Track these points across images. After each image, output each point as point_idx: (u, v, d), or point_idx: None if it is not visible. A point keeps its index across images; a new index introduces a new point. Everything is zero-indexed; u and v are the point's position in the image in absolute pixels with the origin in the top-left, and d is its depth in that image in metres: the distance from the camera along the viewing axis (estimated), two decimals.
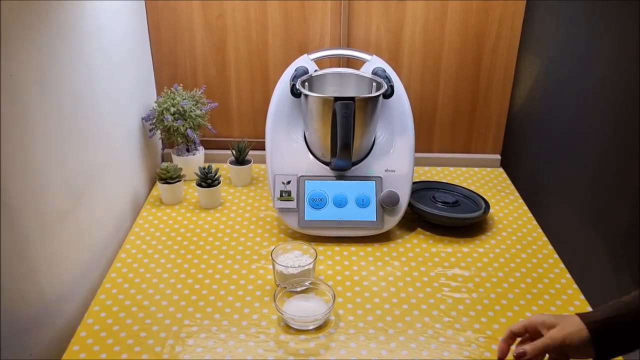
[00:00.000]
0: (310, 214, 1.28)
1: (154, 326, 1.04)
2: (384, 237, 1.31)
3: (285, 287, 1.09)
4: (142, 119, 1.47)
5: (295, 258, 1.16)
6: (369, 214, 1.28)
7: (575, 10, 1.55)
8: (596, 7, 1.52)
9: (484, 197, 1.42)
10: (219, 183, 1.42)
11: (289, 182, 1.29)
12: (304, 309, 1.05)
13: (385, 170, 1.30)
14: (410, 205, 1.34)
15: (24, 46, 0.90)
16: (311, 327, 1.03)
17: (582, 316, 0.79)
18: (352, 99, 1.20)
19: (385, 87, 1.27)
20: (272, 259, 1.13)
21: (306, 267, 1.12)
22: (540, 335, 0.81)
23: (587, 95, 1.60)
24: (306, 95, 1.25)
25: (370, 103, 1.24)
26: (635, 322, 0.76)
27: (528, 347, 0.80)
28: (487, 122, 1.65)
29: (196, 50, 1.55)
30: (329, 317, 1.05)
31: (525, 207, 1.46)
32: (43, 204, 0.97)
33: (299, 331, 1.03)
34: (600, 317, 0.78)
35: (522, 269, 1.22)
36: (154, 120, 1.46)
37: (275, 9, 1.50)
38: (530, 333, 0.84)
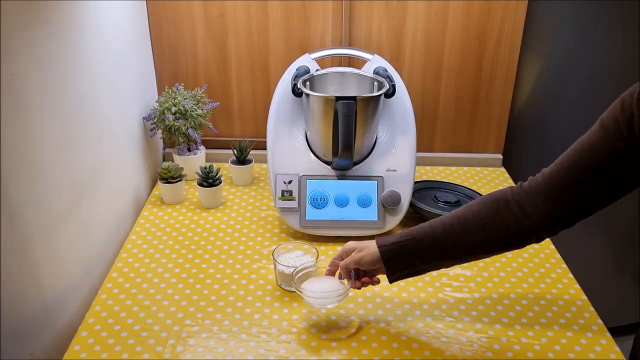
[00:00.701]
0: (311, 213, 1.27)
1: (155, 326, 1.03)
2: None
3: (302, 270, 1.07)
4: (143, 118, 1.47)
5: (296, 258, 1.16)
6: (371, 213, 1.28)
7: (576, 9, 1.55)
8: (598, 7, 1.52)
9: None
10: (220, 183, 1.42)
11: (290, 182, 1.29)
12: (322, 288, 1.03)
13: (387, 170, 1.30)
14: (411, 204, 1.33)
15: (25, 46, 0.90)
16: (332, 306, 1.04)
17: (378, 240, 0.97)
18: (353, 98, 1.19)
19: (386, 86, 1.27)
20: (274, 259, 1.13)
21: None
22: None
23: (589, 94, 1.60)
24: (307, 95, 1.25)
25: (372, 102, 1.24)
26: (416, 248, 0.93)
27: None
28: (488, 122, 1.64)
29: (197, 50, 1.55)
30: (348, 294, 1.04)
31: None
32: (44, 203, 0.97)
33: (300, 331, 1.03)
34: (389, 241, 0.95)
35: (524, 269, 1.22)
36: (155, 120, 1.46)
37: (277, 8, 1.49)
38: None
